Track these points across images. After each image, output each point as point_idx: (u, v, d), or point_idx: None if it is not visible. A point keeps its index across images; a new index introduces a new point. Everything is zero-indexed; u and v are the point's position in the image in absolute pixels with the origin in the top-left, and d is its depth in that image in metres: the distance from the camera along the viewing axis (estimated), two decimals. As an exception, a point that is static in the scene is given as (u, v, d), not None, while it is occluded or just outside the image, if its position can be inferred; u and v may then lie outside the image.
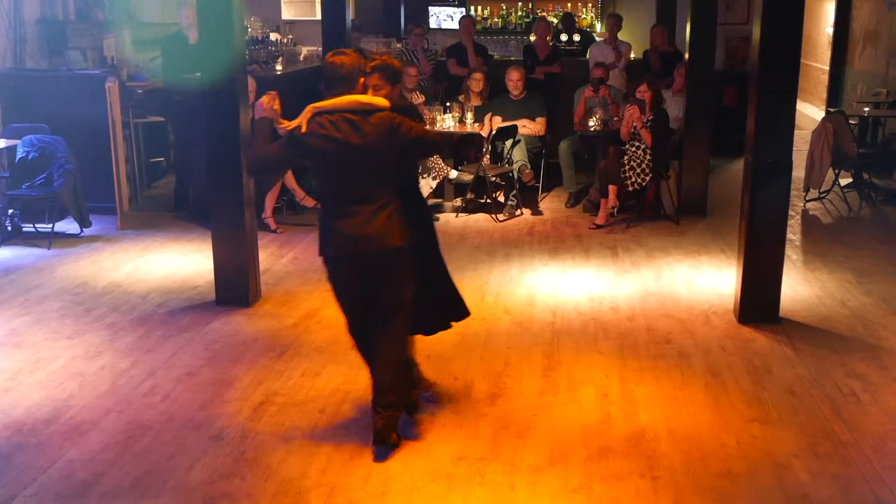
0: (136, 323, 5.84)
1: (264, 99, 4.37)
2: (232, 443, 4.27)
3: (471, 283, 6.63)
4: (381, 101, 4.09)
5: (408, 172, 4.50)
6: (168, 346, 5.46)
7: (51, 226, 7.79)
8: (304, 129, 4.05)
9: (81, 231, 7.91)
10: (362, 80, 4.13)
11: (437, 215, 8.57)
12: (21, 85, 8.41)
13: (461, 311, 4.68)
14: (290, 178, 8.21)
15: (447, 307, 4.63)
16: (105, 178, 8.17)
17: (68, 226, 8.02)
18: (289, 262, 7.25)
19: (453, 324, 4.74)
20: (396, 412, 4.22)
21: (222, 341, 5.56)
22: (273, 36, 11.21)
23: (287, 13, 12.84)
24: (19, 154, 7.79)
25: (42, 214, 7.87)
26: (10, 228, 7.85)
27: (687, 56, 8.65)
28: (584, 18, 14.33)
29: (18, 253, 7.46)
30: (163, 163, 10.23)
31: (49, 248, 7.52)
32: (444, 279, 4.60)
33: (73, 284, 6.64)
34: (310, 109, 4.08)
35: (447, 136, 4.64)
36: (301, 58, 10.90)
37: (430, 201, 8.58)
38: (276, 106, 4.35)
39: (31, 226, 7.95)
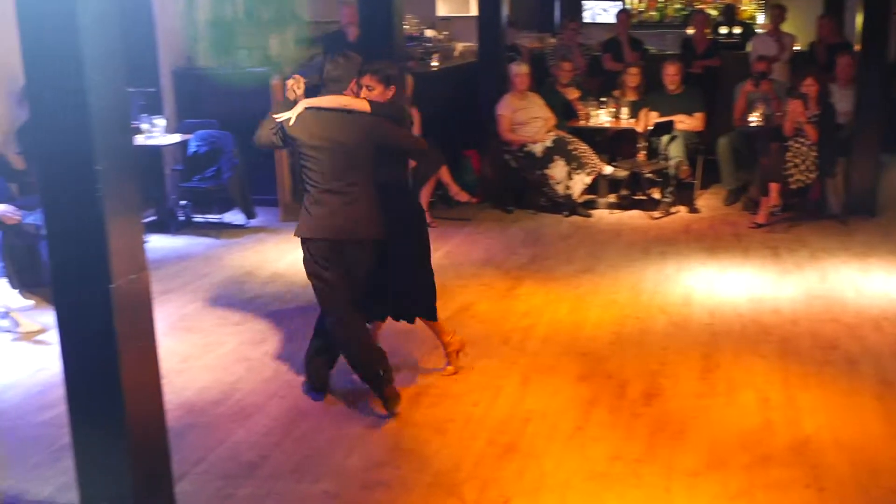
0: (297, 312, 6.04)
1: (289, 82, 4.55)
2: (388, 432, 4.36)
3: (625, 280, 6.54)
4: (362, 105, 4.44)
5: (394, 170, 4.76)
6: (327, 336, 5.62)
7: (219, 216, 8.18)
8: (291, 123, 4.42)
9: (247, 222, 8.26)
10: (354, 81, 4.53)
11: (591, 212, 8.49)
12: (194, 82, 8.85)
13: (428, 313, 4.93)
14: (445, 173, 8.31)
15: (413, 303, 4.90)
16: (268, 172, 8.49)
17: (235, 217, 8.39)
18: (443, 255, 7.33)
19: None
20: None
21: (380, 332, 5.67)
22: (428, 32, 11.35)
23: (442, 10, 12.96)
24: (191, 148, 8.22)
25: (211, 205, 8.29)
26: (182, 218, 8.29)
27: (858, 47, 8.24)
28: (746, 10, 13.86)
29: (190, 242, 7.86)
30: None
31: (218, 238, 7.90)
32: (419, 275, 4.85)
33: (239, 273, 6.94)
34: (302, 104, 4.44)
35: (416, 144, 4.87)
36: (456, 54, 10.99)
37: (583, 197, 8.50)
38: (299, 91, 4.52)
39: (202, 216, 8.38)
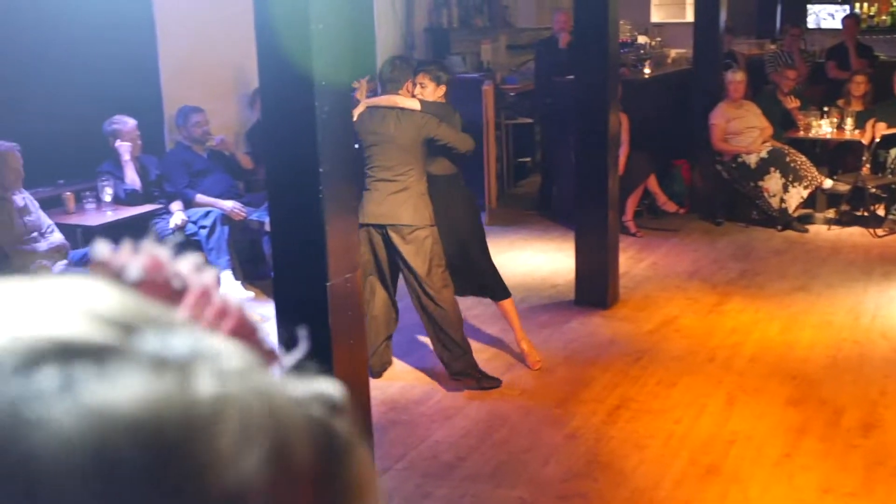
0: (499, 316, 6.07)
1: (355, 84, 4.98)
2: (586, 443, 4.33)
3: (843, 301, 6.18)
4: (412, 103, 4.92)
5: (446, 164, 5.11)
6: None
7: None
8: (354, 118, 4.76)
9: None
10: (409, 81, 5.02)
11: (807, 227, 8.08)
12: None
13: (499, 292, 5.26)
14: (652, 182, 8.16)
15: (483, 284, 5.26)
16: (476, 176, 8.62)
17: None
18: (647, 266, 7.20)
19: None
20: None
21: (580, 341, 5.65)
22: (641, 39, 11.18)
23: (657, 16, 12.73)
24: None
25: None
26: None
27: None
28: None
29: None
30: (528, 163, 10.59)
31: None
32: (481, 260, 5.21)
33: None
34: (363, 104, 5.02)
35: (462, 143, 5.03)
36: (669, 61, 10.76)
37: (799, 211, 8.11)
38: (360, 94, 5.10)
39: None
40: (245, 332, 0.55)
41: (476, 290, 5.35)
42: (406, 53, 9.38)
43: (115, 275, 0.52)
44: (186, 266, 0.55)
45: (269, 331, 0.59)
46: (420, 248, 4.87)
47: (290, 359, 0.57)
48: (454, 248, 5.08)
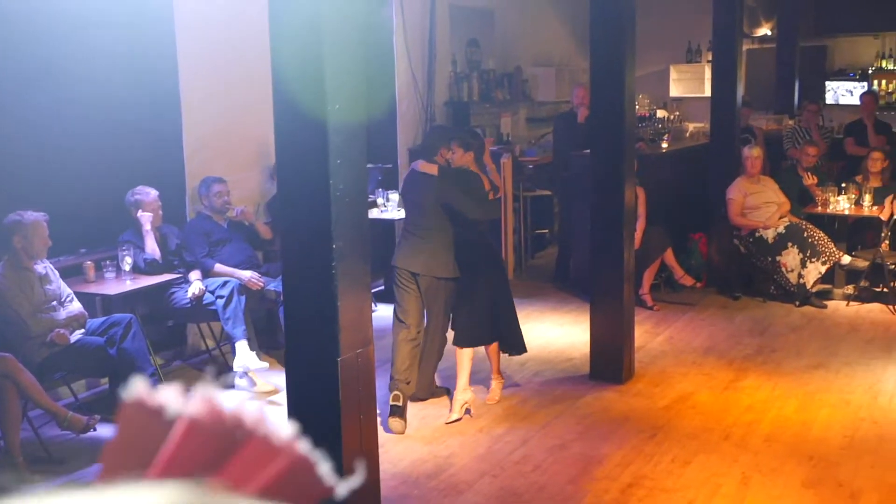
0: (514, 389, 6.08)
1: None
2: (598, 522, 4.28)
3: (862, 379, 6.12)
4: (432, 169, 5.53)
5: (469, 223, 5.58)
6: (541, 416, 5.62)
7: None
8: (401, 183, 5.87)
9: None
10: (444, 147, 5.58)
11: (825, 303, 8.05)
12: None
13: (517, 346, 5.77)
14: (669, 256, 8.17)
15: (504, 334, 5.73)
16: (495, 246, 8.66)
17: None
18: (664, 340, 7.17)
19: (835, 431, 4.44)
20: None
21: (594, 416, 5.62)
22: (660, 113, 11.30)
23: (675, 90, 12.89)
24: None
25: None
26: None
27: None
28: None
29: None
30: (546, 234, 10.64)
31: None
32: (505, 310, 5.70)
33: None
34: (410, 167, 5.75)
35: (471, 211, 5.53)
36: (687, 135, 10.86)
37: (817, 287, 8.07)
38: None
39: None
40: (302, 471, 0.54)
41: (496, 338, 5.73)
42: (426, 126, 9.53)
43: (151, 413, 0.50)
44: (248, 413, 0.53)
45: (326, 465, 0.58)
46: (437, 295, 5.55)
47: (345, 489, 0.56)
48: (480, 300, 5.56)
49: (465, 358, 5.64)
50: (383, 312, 7.97)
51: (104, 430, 5.22)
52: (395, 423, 5.39)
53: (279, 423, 0.53)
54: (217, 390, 0.51)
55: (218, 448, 0.50)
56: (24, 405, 4.95)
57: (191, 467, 0.48)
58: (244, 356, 5.95)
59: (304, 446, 0.55)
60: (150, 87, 6.55)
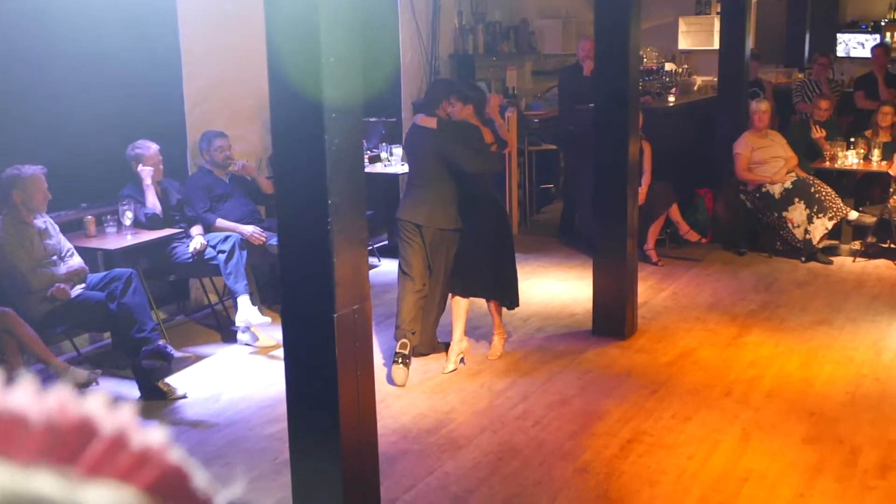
0: (516, 345, 6.08)
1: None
2: (597, 477, 4.29)
3: (865, 336, 6.09)
4: (431, 123, 5.57)
5: (474, 177, 5.58)
6: (543, 372, 5.62)
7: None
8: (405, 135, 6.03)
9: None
10: (445, 100, 5.61)
11: (831, 259, 7.99)
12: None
13: (511, 300, 5.76)
14: (674, 211, 8.11)
15: (501, 289, 5.73)
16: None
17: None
18: (668, 296, 7.15)
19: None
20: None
21: (595, 372, 5.61)
22: (668, 66, 11.15)
23: (684, 43, 12.70)
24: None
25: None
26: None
27: None
28: None
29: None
30: (552, 189, 10.58)
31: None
32: (499, 266, 5.67)
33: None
34: (413, 122, 5.80)
35: (468, 164, 5.51)
36: (695, 88, 10.72)
37: (824, 243, 8.01)
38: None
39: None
40: (171, 482, 0.49)
41: (492, 295, 5.76)
42: (429, 79, 9.43)
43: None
44: (96, 405, 0.48)
45: (202, 474, 0.54)
46: (440, 247, 5.58)
47: (224, 500, 0.53)
48: (480, 253, 5.58)
49: (460, 308, 5.67)
50: (388, 267, 7.95)
51: (105, 384, 5.25)
52: (398, 371, 5.41)
53: (150, 431, 0.49)
54: (75, 391, 0.47)
55: (67, 450, 0.46)
56: (26, 360, 4.97)
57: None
58: (246, 311, 5.94)
59: (177, 455, 0.50)
60: (149, 39, 6.47)
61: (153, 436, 0.49)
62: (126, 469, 0.47)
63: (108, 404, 0.49)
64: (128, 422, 0.48)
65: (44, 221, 5.30)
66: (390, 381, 5.39)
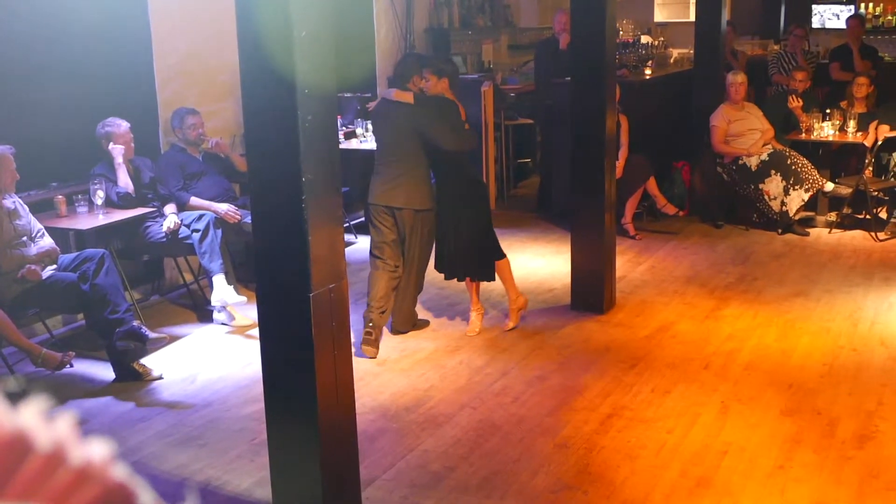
0: (494, 321, 6.05)
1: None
2: (577, 453, 4.28)
3: (842, 307, 6.12)
4: (407, 97, 5.40)
5: (452, 153, 5.45)
6: (522, 348, 5.60)
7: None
8: (370, 109, 5.79)
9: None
10: (417, 75, 5.48)
11: (808, 230, 8.01)
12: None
13: (486, 274, 5.68)
14: (651, 185, 8.09)
15: (473, 266, 5.64)
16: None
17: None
18: (646, 270, 7.14)
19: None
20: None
21: (574, 347, 5.60)
22: (644, 39, 11.11)
23: (660, 15, 12.66)
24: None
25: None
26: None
27: None
28: None
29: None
30: (529, 164, 10.53)
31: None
32: (479, 243, 5.57)
33: (437, 278, 7.02)
34: (380, 96, 5.71)
35: (445, 140, 5.38)
36: (671, 61, 10.69)
37: (800, 214, 8.04)
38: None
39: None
40: (115, 502, 0.45)
41: (475, 274, 5.71)
42: (407, 53, 9.33)
43: None
44: (29, 418, 0.44)
45: (148, 492, 0.48)
46: (415, 228, 5.48)
47: None
48: (461, 234, 5.51)
49: (504, 272, 5.74)
50: (364, 244, 7.89)
51: (79, 367, 5.18)
52: (366, 349, 5.42)
53: (91, 445, 0.45)
54: (5, 405, 0.43)
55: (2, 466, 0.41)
56: (-3, 343, 4.89)
57: None
58: (222, 290, 5.87)
59: (121, 471, 0.46)
60: (119, 14, 6.34)
61: (95, 450, 0.45)
62: (64, 490, 0.43)
63: (44, 416, 0.44)
64: (66, 436, 0.44)
65: (13, 202, 5.20)
66: (359, 354, 5.35)
